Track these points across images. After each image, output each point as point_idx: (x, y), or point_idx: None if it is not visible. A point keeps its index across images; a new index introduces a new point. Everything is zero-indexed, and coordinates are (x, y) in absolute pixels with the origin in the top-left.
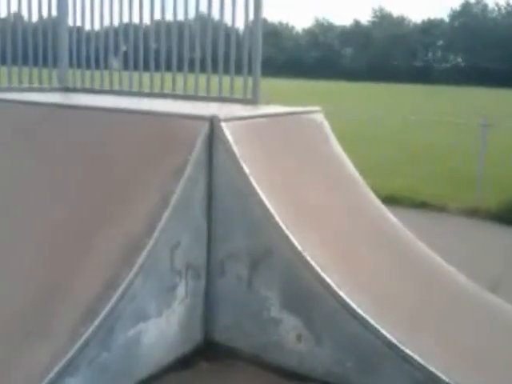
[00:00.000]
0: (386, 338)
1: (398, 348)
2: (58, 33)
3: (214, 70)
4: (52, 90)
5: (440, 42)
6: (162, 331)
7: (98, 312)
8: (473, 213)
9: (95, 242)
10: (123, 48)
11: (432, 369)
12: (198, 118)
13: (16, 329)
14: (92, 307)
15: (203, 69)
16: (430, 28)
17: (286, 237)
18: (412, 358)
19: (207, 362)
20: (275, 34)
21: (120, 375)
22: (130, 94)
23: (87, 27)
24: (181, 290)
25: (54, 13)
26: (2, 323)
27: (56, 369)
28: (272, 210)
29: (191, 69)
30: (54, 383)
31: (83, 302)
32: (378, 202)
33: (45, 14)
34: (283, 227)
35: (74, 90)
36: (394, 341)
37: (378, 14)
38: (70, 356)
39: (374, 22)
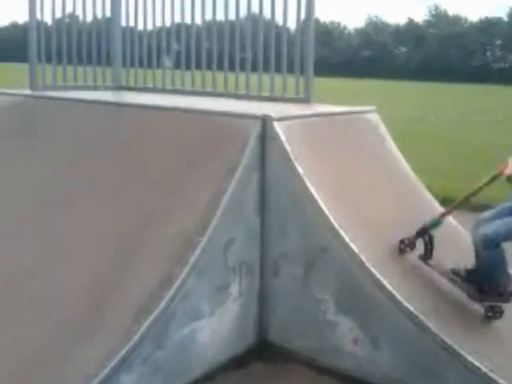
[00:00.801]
0: (445, 343)
1: (459, 354)
2: (112, 33)
3: (266, 69)
4: (106, 88)
5: (498, 41)
6: (215, 330)
7: (152, 310)
8: None
9: (149, 240)
10: (175, 47)
11: (497, 378)
12: (251, 117)
13: (71, 326)
14: (146, 305)
15: (255, 68)
16: (487, 27)
17: (341, 237)
18: (474, 365)
19: (261, 362)
20: (327, 34)
21: (174, 374)
22: (182, 92)
23: (140, 27)
24: (234, 289)
25: (108, 13)
26: (58, 321)
27: (110, 365)
28: (326, 210)
29: (243, 68)
30: (108, 380)
31: (137, 300)
32: (436, 204)
33: (99, 14)
34: (338, 228)
35: (128, 88)
36: (456, 347)
37: (433, 12)
38: (124, 353)
39: (429, 21)
